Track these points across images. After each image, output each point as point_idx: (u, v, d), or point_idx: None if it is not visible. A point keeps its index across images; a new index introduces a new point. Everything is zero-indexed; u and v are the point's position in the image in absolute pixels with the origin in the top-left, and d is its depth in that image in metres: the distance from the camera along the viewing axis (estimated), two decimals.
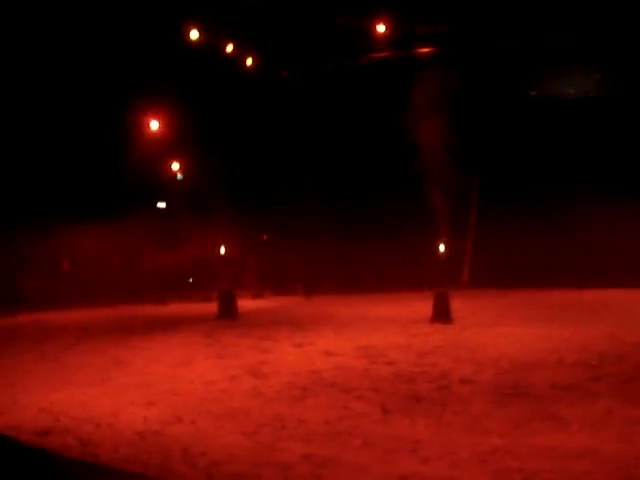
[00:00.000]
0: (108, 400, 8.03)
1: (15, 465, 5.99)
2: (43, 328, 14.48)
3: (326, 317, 15.01)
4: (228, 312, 15.38)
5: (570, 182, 17.85)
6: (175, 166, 18.54)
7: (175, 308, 18.85)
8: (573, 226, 18.30)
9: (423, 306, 13.90)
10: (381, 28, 15.17)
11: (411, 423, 6.68)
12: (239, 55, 16.39)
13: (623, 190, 17.29)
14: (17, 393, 8.50)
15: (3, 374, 9.66)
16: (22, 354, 11.33)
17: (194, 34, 15.09)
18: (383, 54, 16.59)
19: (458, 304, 13.83)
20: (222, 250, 16.03)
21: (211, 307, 15.87)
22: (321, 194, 20.64)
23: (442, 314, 13.33)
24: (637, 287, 16.32)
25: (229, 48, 15.97)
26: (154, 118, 16.73)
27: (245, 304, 16.49)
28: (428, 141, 13.66)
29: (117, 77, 17.35)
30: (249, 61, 16.96)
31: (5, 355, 11.23)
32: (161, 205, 25.89)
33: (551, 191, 18.20)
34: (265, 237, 22.57)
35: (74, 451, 6.10)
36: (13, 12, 15.77)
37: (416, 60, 15.87)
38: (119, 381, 9.05)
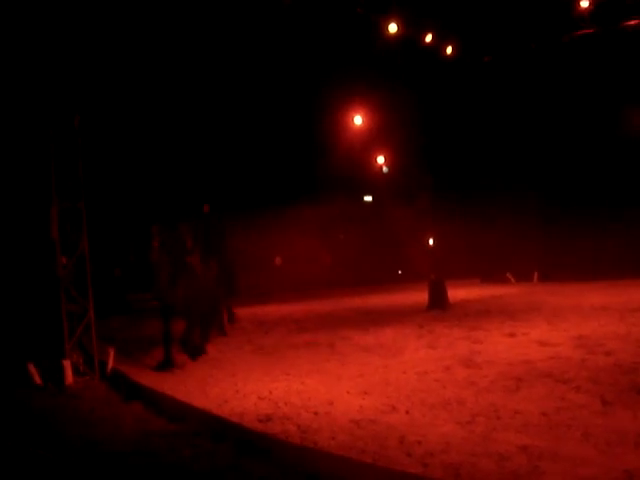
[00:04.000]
0: (324, 389, 8.30)
1: (239, 448, 6.36)
2: (260, 321, 15.13)
3: (538, 306, 14.62)
4: (439, 302, 15.36)
5: None
6: (380, 159, 18.77)
7: (384, 299, 19.08)
8: None
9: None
10: (584, 3, 14.52)
11: (634, 416, 6.39)
12: (439, 44, 16.30)
13: None
14: (239, 382, 8.99)
15: (225, 365, 10.24)
16: (242, 346, 11.93)
17: (393, 27, 15.17)
18: (588, 30, 15.85)
19: None
20: (430, 241, 15.99)
21: (422, 298, 15.90)
22: (529, 179, 20.13)
23: None
24: None
25: (428, 38, 15.92)
26: (358, 113, 17.02)
27: (456, 294, 16.38)
28: None
29: (323, 73, 17.84)
30: (449, 49, 16.80)
31: (227, 347, 11.86)
32: (367, 199, 26.31)
33: None
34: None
35: (294, 437, 6.38)
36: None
37: (624, 34, 15.05)
38: (334, 371, 9.31)
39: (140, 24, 14.97)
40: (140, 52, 16.55)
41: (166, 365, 10.24)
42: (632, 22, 14.03)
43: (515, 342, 10.53)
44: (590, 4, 14.13)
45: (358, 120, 17.47)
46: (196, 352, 10.81)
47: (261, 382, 8.93)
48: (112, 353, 10.62)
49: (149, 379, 9.51)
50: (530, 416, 6.64)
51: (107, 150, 17.49)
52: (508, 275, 21.82)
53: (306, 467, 5.74)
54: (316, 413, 7.23)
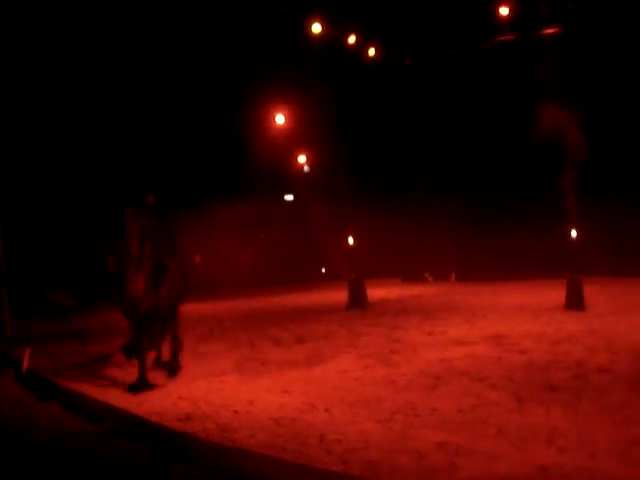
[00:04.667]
0: (244, 388, 8.29)
1: (158, 448, 6.30)
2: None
3: (455, 306, 14.91)
4: (358, 302, 15.51)
5: None
6: (302, 159, 18.81)
7: (305, 298, 19.15)
8: None
9: (555, 294, 13.60)
10: (504, 11, 14.85)
11: (546, 412, 6.59)
12: (362, 46, 16.44)
13: None
14: (158, 381, 8.89)
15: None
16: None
17: (316, 27, 15.22)
18: (507, 37, 16.24)
19: (591, 291, 13.44)
20: (350, 240, 16.13)
21: (343, 297, 16.02)
22: (448, 181, 20.48)
23: (575, 302, 13.00)
24: None
25: (352, 39, 16.03)
26: (280, 112, 17.00)
27: (375, 293, 16.55)
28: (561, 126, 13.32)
29: (244, 73, 17.80)
30: (371, 51, 16.96)
31: None
32: (289, 198, 26.33)
33: None
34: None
35: (214, 436, 6.36)
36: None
37: (542, 42, 15.47)
38: (254, 370, 9.31)
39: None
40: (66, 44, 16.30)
41: (142, 385, 8.62)
42: (549, 31, 14.43)
43: (433, 341, 10.71)
44: (510, 12, 14.47)
45: (280, 119, 17.46)
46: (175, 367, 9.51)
47: (180, 381, 8.87)
48: (28, 353, 10.32)
49: (66, 379, 9.32)
50: (447, 413, 6.77)
51: (26, 146, 17.12)
52: (426, 275, 22.17)
53: (226, 466, 5.72)
54: (236, 412, 7.22)
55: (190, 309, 17.05)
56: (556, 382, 7.64)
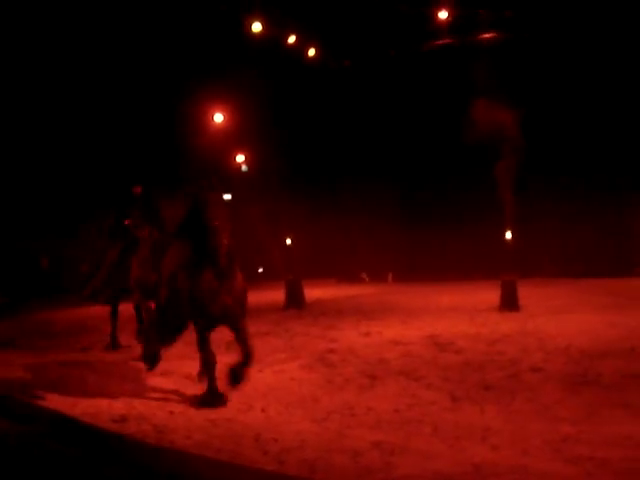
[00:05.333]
0: (180, 388, 8.21)
1: (94, 450, 6.19)
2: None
3: (392, 306, 14.99)
4: (295, 302, 15.49)
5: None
6: (240, 158, 18.73)
7: None
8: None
9: (490, 294, 13.80)
10: (443, 14, 15.02)
11: (481, 411, 6.69)
12: (302, 46, 16.42)
13: None
14: (89, 383, 8.72)
15: (79, 365, 9.92)
16: (95, 345, 11.63)
17: (256, 26, 15.16)
18: (446, 41, 16.42)
19: (526, 292, 13.68)
20: (287, 240, 16.10)
21: (280, 297, 15.98)
22: (385, 181, 20.60)
23: (510, 302, 13.21)
24: None
25: (291, 39, 16.01)
26: (219, 111, 16.89)
27: (312, 293, 16.55)
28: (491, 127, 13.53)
29: (182, 71, 17.62)
30: (311, 51, 16.96)
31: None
32: (227, 197, 26.17)
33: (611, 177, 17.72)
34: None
35: (150, 437, 6.28)
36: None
37: (479, 47, 15.70)
38: (190, 370, 9.22)
39: None
40: None
41: (215, 398, 7.56)
42: (487, 35, 14.63)
43: (370, 341, 10.76)
44: (449, 16, 14.64)
45: (219, 118, 17.35)
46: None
47: (114, 382, 8.72)
48: None
49: None
50: (383, 413, 6.82)
51: None
52: (363, 275, 22.25)
53: (162, 467, 5.65)
54: (172, 412, 7.16)
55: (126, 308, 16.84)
56: (491, 381, 7.77)
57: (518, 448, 5.62)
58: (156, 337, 8.43)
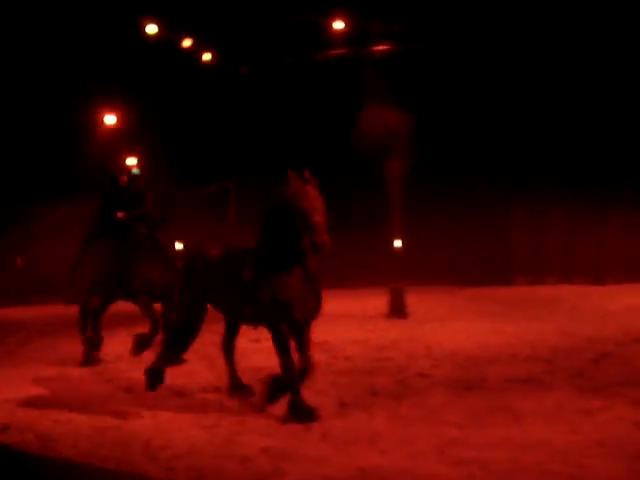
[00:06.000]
0: (66, 395, 8.02)
1: None
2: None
3: None
4: None
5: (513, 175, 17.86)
6: (131, 161, 18.41)
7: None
8: (520, 222, 18.44)
9: (378, 302, 14.01)
10: (338, 25, 15.22)
11: (369, 416, 6.79)
12: (197, 50, 16.32)
13: (576, 186, 17.32)
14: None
15: None
16: None
17: (151, 28, 14.98)
18: (340, 51, 16.64)
19: (413, 299, 13.96)
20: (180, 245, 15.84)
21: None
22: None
23: (398, 309, 13.46)
24: (586, 283, 16.59)
25: (187, 43, 15.88)
26: (111, 112, 16.60)
27: None
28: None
29: (75, 71, 17.22)
30: (207, 56, 16.87)
31: None
32: None
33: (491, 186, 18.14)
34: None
35: (34, 446, 6.10)
36: None
37: (373, 58, 15.99)
38: (76, 376, 9.02)
39: None
40: None
41: (306, 412, 6.86)
42: (380, 47, 14.91)
43: (260, 347, 10.64)
44: (345, 26, 14.85)
45: (110, 119, 17.03)
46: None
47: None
48: None
49: None
50: (273, 419, 6.83)
51: None
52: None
53: (46, 477, 5.51)
54: (57, 421, 6.96)
55: (9, 313, 16.33)
56: (379, 387, 7.89)
57: (405, 452, 5.74)
58: (169, 352, 7.94)
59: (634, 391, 7.31)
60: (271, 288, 6.84)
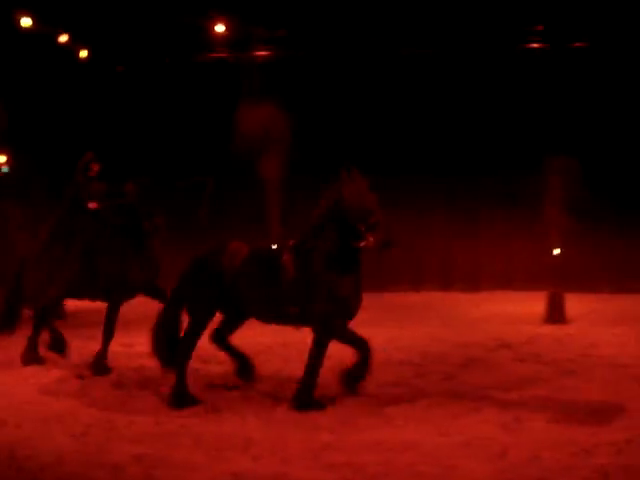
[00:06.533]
0: None
1: None
2: None
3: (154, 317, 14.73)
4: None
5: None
6: (1, 159, 17.73)
7: None
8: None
9: None
10: (220, 28, 15.17)
11: (242, 422, 6.78)
12: (73, 46, 15.89)
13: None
14: None
15: None
16: None
17: (26, 21, 14.48)
18: (220, 54, 16.59)
19: None
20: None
21: None
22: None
23: None
24: (455, 290, 16.90)
25: (63, 38, 15.44)
26: None
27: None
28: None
29: None
30: (83, 53, 16.46)
31: None
32: None
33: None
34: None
35: None
36: None
37: (254, 62, 16.03)
38: None
39: None
40: None
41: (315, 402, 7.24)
42: (261, 53, 14.99)
43: (131, 352, 10.34)
44: (226, 29, 14.83)
45: None
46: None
47: None
48: None
49: None
50: (144, 426, 6.72)
51: None
52: None
53: None
54: None
55: None
56: (253, 392, 7.88)
57: (278, 457, 5.76)
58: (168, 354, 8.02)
59: (500, 394, 7.62)
60: (335, 286, 6.95)
